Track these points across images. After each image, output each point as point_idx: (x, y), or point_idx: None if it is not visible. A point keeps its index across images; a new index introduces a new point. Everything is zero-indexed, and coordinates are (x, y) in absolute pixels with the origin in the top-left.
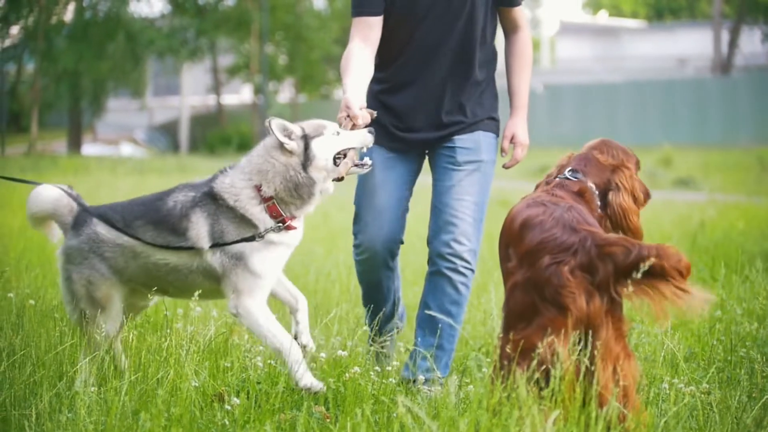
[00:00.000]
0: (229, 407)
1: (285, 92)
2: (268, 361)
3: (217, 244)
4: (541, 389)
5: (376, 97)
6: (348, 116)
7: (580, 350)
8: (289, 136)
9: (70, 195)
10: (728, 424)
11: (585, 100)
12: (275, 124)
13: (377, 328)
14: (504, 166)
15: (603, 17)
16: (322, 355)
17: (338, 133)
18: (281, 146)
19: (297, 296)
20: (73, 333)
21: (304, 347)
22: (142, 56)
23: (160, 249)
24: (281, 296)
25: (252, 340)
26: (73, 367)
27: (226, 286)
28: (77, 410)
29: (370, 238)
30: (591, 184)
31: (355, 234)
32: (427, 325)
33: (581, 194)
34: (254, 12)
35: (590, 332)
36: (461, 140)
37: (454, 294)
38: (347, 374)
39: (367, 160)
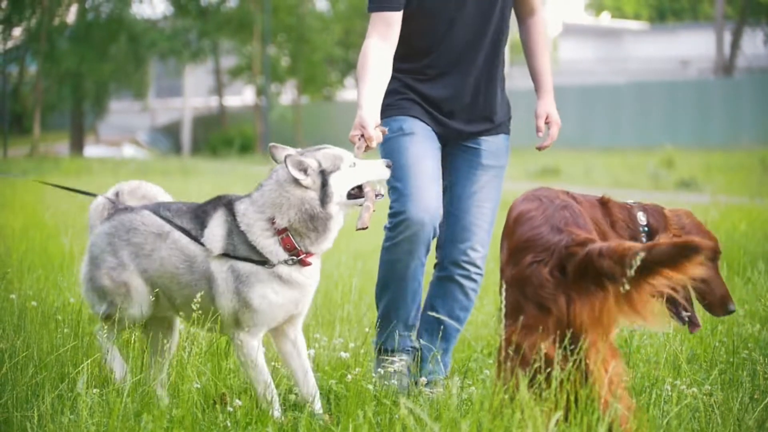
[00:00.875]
0: (231, 409)
1: (287, 94)
2: (271, 363)
3: (227, 255)
4: (534, 389)
5: (405, 83)
6: (362, 136)
7: (565, 350)
8: (305, 171)
9: (111, 201)
10: (730, 426)
11: (587, 101)
12: (291, 161)
13: (397, 340)
14: (539, 147)
15: (605, 19)
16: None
17: (354, 164)
18: (296, 181)
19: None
20: (74, 335)
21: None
22: (145, 58)
23: (181, 232)
24: (299, 385)
25: None
26: (75, 368)
27: (226, 309)
28: (79, 412)
29: (421, 209)
30: (640, 213)
31: (399, 209)
32: (432, 328)
33: (603, 203)
34: (256, 14)
35: (575, 333)
36: (486, 142)
37: (464, 300)
38: (349, 376)
39: (381, 189)
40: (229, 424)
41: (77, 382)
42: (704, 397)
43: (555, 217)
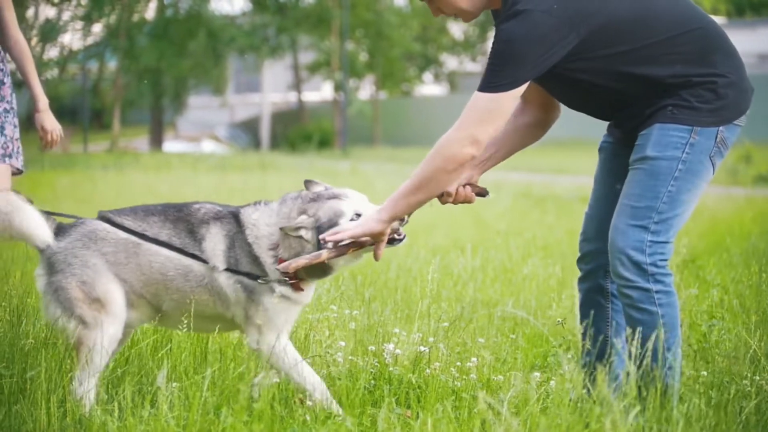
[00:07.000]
0: (310, 403)
1: (365, 89)
2: (349, 357)
3: (230, 270)
4: None
5: None
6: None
7: None
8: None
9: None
10: None
11: None
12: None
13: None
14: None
15: None
16: (398, 351)
17: (357, 216)
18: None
19: None
20: (154, 330)
21: None
22: (223, 54)
23: (172, 250)
24: None
25: (333, 336)
26: (154, 363)
27: (239, 317)
28: (159, 405)
29: (582, 234)
30: None
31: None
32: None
33: None
34: (335, 9)
35: None
36: (639, 137)
37: (638, 314)
38: (428, 370)
39: (402, 231)
40: (308, 418)
41: (157, 376)
42: None
43: None
